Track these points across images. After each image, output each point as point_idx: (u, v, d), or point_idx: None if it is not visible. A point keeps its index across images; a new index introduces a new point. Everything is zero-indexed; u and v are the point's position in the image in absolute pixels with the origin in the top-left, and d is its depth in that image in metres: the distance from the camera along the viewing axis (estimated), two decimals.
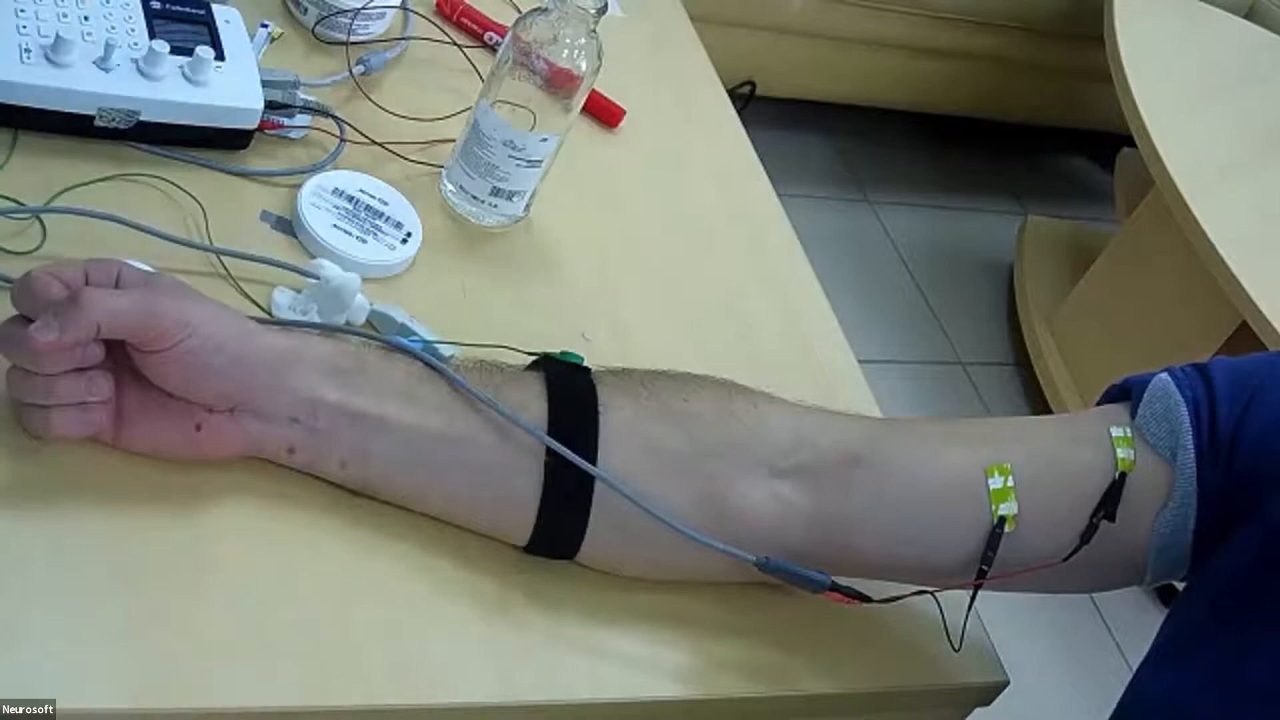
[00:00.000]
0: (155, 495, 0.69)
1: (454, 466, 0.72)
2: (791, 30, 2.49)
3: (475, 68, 1.06)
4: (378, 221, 0.89)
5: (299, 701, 0.66)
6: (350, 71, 0.98)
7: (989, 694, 0.85)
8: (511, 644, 0.72)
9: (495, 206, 0.95)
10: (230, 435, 0.70)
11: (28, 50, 0.81)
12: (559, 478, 0.72)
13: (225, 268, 0.82)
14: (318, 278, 0.81)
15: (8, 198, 0.79)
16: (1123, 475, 0.72)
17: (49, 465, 0.67)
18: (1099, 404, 0.78)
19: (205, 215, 0.84)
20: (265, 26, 0.97)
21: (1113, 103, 2.20)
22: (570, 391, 0.75)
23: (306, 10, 1.01)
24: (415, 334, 0.82)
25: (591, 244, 0.99)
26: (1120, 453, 0.73)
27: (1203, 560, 0.72)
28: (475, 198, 0.94)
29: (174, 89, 0.85)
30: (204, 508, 0.70)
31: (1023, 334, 2.54)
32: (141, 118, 0.84)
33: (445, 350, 0.82)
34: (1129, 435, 0.73)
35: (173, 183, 0.85)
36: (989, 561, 0.73)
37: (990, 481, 0.73)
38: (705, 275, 1.03)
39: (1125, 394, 0.76)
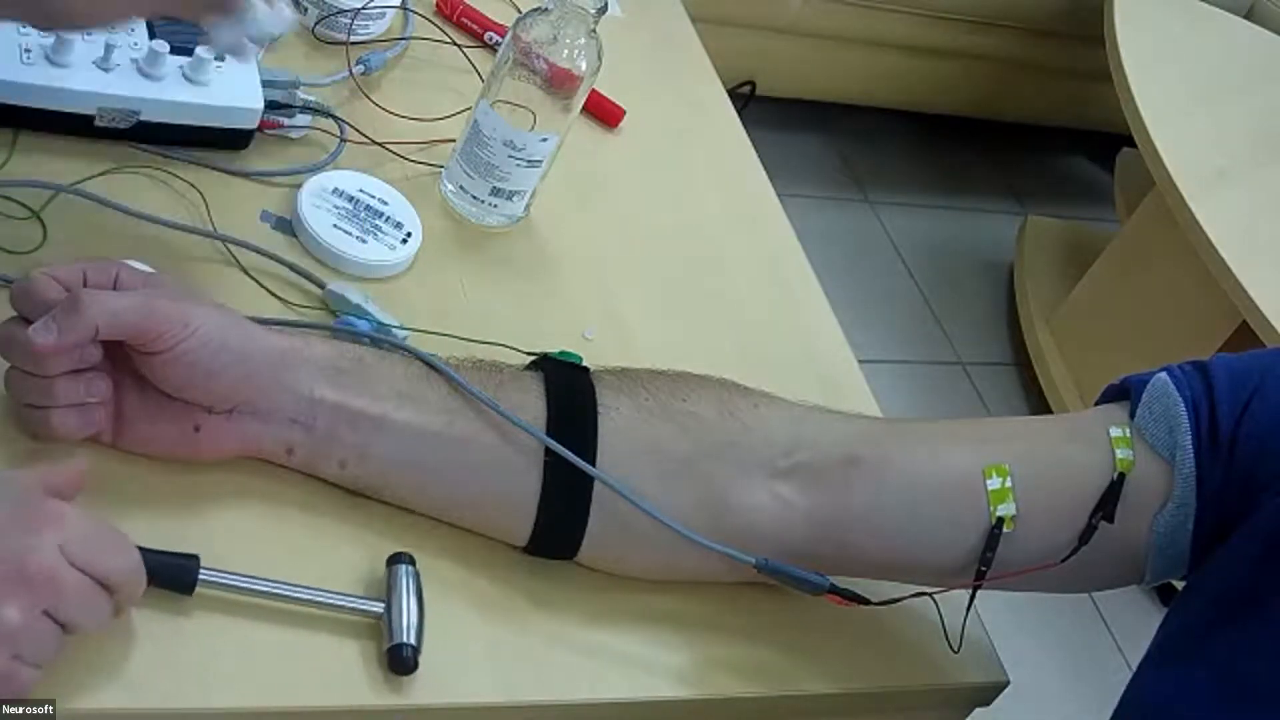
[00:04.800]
0: (154, 496, 0.69)
1: (453, 466, 0.72)
2: (791, 30, 2.49)
3: (475, 68, 1.06)
4: (378, 221, 0.89)
5: (299, 701, 0.66)
6: (350, 71, 0.98)
7: (989, 694, 0.85)
8: (511, 644, 0.72)
9: (495, 206, 0.95)
10: (229, 436, 0.70)
11: (28, 50, 0.81)
12: (558, 478, 0.72)
13: (231, 254, 0.82)
14: (321, 285, 0.81)
15: (9, 198, 0.79)
16: (1121, 476, 0.72)
17: (49, 465, 0.67)
18: (1098, 404, 0.78)
19: (207, 207, 0.84)
20: None
21: (1113, 103, 2.20)
22: (570, 391, 0.75)
23: (306, 10, 1.01)
24: (369, 314, 0.82)
25: (591, 244, 0.99)
26: (1119, 453, 0.73)
27: (1202, 559, 0.72)
28: (475, 198, 0.94)
29: (174, 89, 0.85)
30: (203, 508, 0.70)
31: (1023, 334, 2.53)
32: (141, 117, 0.84)
33: (399, 334, 0.81)
34: (1128, 435, 0.73)
35: (172, 186, 0.85)
36: (988, 562, 0.73)
37: (989, 482, 0.73)
38: (705, 275, 1.03)
39: (1124, 394, 0.76)
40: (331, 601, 0.68)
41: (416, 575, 0.69)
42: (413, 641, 0.67)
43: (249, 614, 0.67)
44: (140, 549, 0.63)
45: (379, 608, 0.68)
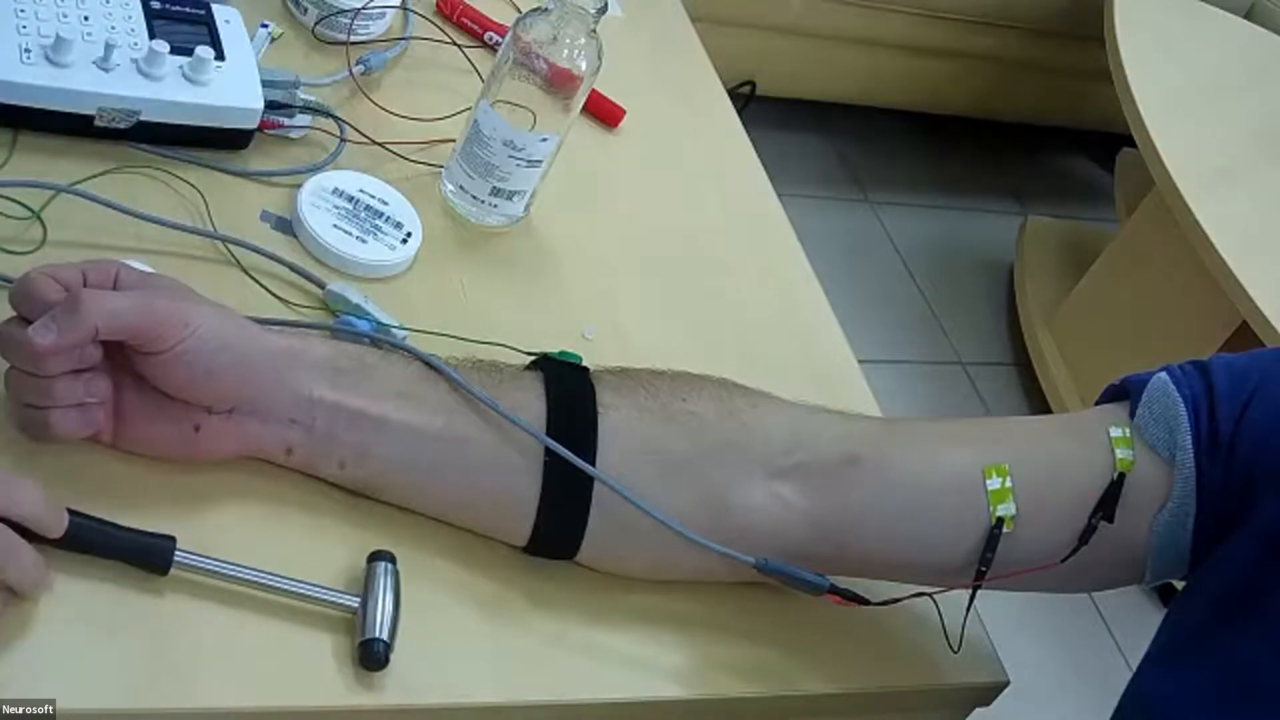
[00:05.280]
0: (154, 496, 0.69)
1: (453, 466, 0.72)
2: (791, 30, 2.49)
3: (475, 68, 1.06)
4: (378, 221, 0.89)
5: (299, 701, 0.66)
6: (350, 71, 0.98)
7: (989, 694, 0.85)
8: (511, 644, 0.72)
9: (495, 206, 0.95)
10: (229, 436, 0.70)
11: (28, 50, 0.81)
12: (558, 478, 0.72)
13: (231, 254, 0.82)
14: (321, 285, 0.80)
15: (9, 198, 0.79)
16: (1121, 475, 0.72)
17: (48, 466, 0.67)
18: (1098, 404, 0.78)
19: (207, 207, 0.84)
20: (265, 26, 0.97)
21: (1113, 103, 2.20)
22: (569, 391, 0.75)
23: (306, 10, 1.01)
24: (369, 314, 0.82)
25: (591, 244, 0.99)
26: (1119, 453, 0.73)
27: (1202, 559, 0.72)
28: (475, 198, 0.94)
29: (174, 89, 0.85)
30: (203, 508, 0.70)
31: (1023, 334, 2.54)
32: (142, 117, 0.84)
33: (399, 334, 0.81)
34: (1128, 435, 0.73)
35: (172, 186, 0.85)
36: (987, 563, 0.73)
37: (988, 482, 0.73)
38: (705, 275, 1.03)
39: (1124, 393, 0.76)
40: (307, 592, 0.68)
41: (396, 573, 0.70)
42: (385, 637, 0.67)
43: (229, 608, 0.67)
44: (116, 526, 0.63)
45: (354, 602, 0.68)
